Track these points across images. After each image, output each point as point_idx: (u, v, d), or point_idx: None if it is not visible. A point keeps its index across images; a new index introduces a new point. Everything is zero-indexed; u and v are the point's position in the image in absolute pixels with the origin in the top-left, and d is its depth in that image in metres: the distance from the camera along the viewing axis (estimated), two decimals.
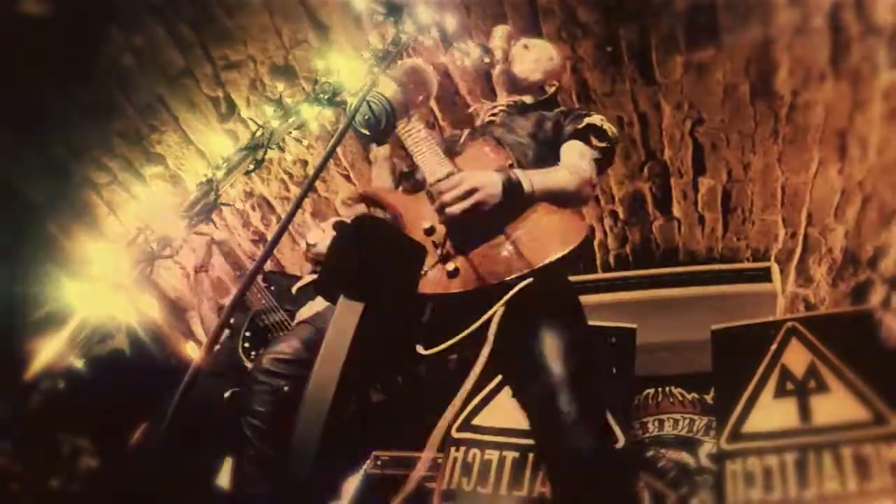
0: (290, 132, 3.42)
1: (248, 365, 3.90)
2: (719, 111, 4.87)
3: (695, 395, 4.56)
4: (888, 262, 5.53)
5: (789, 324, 4.05)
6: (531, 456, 3.76)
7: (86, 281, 3.13)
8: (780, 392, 3.76)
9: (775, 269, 5.46)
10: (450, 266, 2.53)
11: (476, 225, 2.59)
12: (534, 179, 2.70)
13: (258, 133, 3.33)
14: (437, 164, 2.79)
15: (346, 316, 2.21)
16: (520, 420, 3.82)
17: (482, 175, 2.63)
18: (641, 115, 4.97)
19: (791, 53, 4.40)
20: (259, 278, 4.45)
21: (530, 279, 2.47)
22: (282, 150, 3.41)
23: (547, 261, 2.48)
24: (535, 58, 3.35)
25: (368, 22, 4.07)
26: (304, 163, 5.26)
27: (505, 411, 3.93)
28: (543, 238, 2.56)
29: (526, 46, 3.35)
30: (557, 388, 2.49)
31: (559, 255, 2.49)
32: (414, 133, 2.88)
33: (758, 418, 3.70)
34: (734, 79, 4.63)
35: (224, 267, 4.30)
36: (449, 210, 2.56)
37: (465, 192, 2.55)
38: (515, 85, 3.32)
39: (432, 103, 4.66)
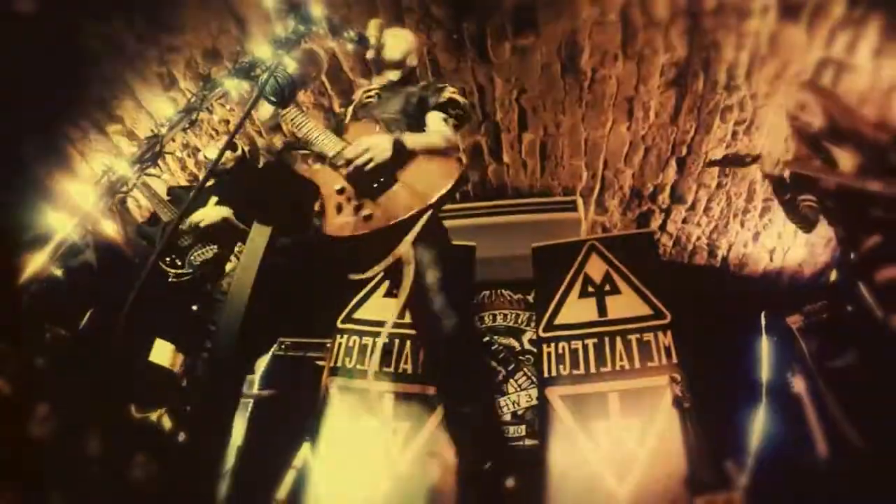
0: (217, 99, 3.46)
1: (165, 269, 4.29)
2: (538, 84, 5.33)
3: (520, 295, 5.11)
4: (664, 196, 6.23)
5: (590, 243, 4.53)
6: (397, 342, 4.16)
7: (63, 210, 3.09)
8: (584, 294, 4.27)
9: (580, 201, 5.95)
10: (366, 212, 2.90)
11: (375, 178, 2.98)
12: (413, 139, 3.10)
13: (192, 99, 3.29)
14: (331, 142, 3.16)
15: (258, 236, 2.88)
16: (388, 314, 4.13)
17: (375, 138, 3.05)
18: (479, 86, 5.44)
19: (592, 40, 4.90)
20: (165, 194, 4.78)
21: (430, 211, 2.88)
22: (210, 112, 3.34)
23: (438, 195, 2.90)
24: (396, 42, 3.66)
25: (275, 16, 4.14)
26: (227, 122, 5.78)
27: (378, 308, 4.35)
28: (429, 178, 2.95)
29: (393, 35, 3.68)
30: (430, 289, 2.93)
31: (445, 189, 2.92)
32: (302, 123, 3.21)
33: (566, 313, 4.21)
34: (549, 59, 5.10)
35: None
36: (354, 165, 2.98)
37: (363, 151, 2.98)
38: (385, 64, 3.63)
39: (323, 77, 5.12)
